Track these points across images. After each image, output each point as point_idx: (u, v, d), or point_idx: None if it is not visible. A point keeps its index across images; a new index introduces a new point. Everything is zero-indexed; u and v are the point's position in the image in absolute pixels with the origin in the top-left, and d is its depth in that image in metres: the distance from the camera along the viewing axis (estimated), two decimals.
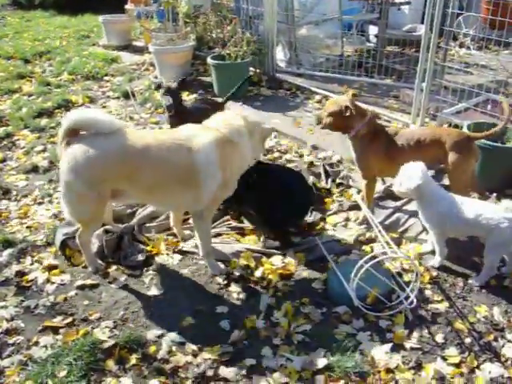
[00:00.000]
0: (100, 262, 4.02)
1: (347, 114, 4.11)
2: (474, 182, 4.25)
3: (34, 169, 5.58)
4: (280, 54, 8.08)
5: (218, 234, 4.31)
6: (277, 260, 3.99)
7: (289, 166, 5.31)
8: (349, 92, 4.48)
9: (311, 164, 5.34)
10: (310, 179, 4.93)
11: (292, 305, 3.53)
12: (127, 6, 10.05)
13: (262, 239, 4.24)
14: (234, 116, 3.80)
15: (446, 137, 4.00)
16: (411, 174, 3.62)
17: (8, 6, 15.71)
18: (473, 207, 3.57)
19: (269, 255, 4.04)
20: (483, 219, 3.50)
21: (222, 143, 3.58)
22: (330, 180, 5.01)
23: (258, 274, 3.85)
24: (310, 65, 7.88)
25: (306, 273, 3.88)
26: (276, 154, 5.61)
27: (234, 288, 3.74)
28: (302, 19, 8.04)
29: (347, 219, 4.47)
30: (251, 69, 7.56)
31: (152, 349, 3.24)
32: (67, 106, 7.17)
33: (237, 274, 3.86)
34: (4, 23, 13.52)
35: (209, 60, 7.24)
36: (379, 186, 4.74)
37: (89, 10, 12.94)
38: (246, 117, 3.84)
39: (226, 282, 3.81)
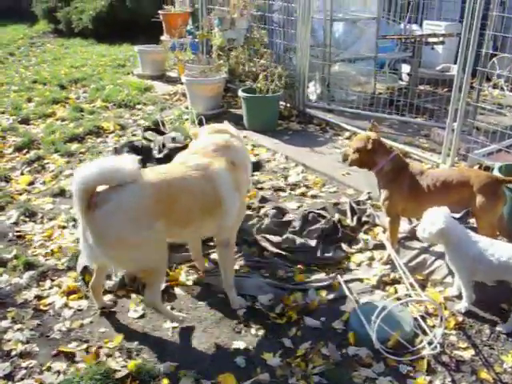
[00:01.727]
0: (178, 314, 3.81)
1: (370, 148, 4.09)
2: (502, 226, 4.14)
3: (61, 193, 5.63)
4: (311, 89, 8.10)
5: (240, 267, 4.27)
6: (298, 296, 3.92)
7: (314, 201, 5.27)
8: (373, 125, 4.43)
9: (337, 200, 5.28)
10: (336, 216, 4.87)
11: (311, 344, 3.45)
12: (163, 38, 10.22)
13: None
14: (224, 138, 3.83)
15: (474, 179, 3.91)
16: (433, 219, 3.53)
17: (49, 33, 16.15)
18: (505, 250, 3.45)
19: (290, 291, 3.98)
20: None
21: (230, 166, 3.63)
22: (355, 217, 4.93)
23: (278, 309, 3.79)
24: (342, 101, 7.88)
25: (326, 311, 3.79)
26: (302, 189, 5.57)
27: (253, 323, 3.68)
28: (337, 56, 8.06)
29: (371, 258, 4.38)
30: (282, 103, 7.58)
31: (164, 382, 3.18)
32: (98, 132, 7.27)
33: (256, 308, 3.80)
34: (44, 49, 13.89)
35: (240, 93, 7.29)
36: (405, 226, 4.65)
37: (126, 40, 13.23)
38: (232, 135, 3.93)
39: (244, 316, 3.74)
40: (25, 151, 6.77)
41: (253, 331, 3.61)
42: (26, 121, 7.96)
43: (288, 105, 7.72)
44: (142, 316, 3.78)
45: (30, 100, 9.03)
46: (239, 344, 3.48)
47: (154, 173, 3.42)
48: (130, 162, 3.26)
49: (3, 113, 8.43)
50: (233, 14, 8.02)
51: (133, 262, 3.38)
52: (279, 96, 7.27)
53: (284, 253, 4.39)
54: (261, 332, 3.60)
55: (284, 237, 4.46)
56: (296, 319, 3.70)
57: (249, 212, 4.95)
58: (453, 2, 9.53)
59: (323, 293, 3.97)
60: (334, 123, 7.34)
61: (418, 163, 5.79)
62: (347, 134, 7.03)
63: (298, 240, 4.43)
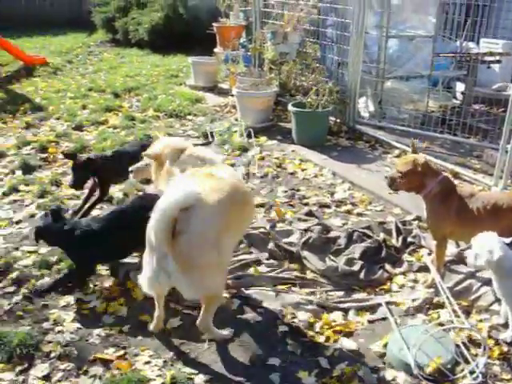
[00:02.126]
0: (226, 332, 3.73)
1: (419, 171, 3.99)
2: None
3: (109, 199, 5.72)
4: (362, 105, 8.03)
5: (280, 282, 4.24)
6: (337, 316, 3.87)
7: (360, 219, 5.20)
8: (413, 146, 4.34)
9: (383, 220, 5.19)
10: (381, 235, 4.78)
11: (347, 365, 3.38)
12: (216, 50, 10.32)
13: None
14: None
15: None
16: (490, 247, 3.38)
17: (107, 42, 16.55)
18: None
19: (330, 310, 3.92)
20: None
21: None
22: (401, 238, 4.83)
23: (316, 328, 3.74)
24: (393, 118, 7.78)
25: (366, 332, 3.73)
26: (348, 207, 5.50)
27: (290, 340, 3.64)
28: (390, 73, 7.96)
29: (415, 281, 4.28)
30: (331, 118, 7.53)
31: None
32: (148, 141, 7.37)
33: (294, 325, 3.76)
34: (101, 58, 14.23)
35: (290, 107, 7.29)
36: (452, 250, 4.53)
37: (181, 50, 13.41)
38: None
39: (281, 333, 3.71)
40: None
41: (289, 348, 3.57)
42: (79, 127, 8.15)
43: (338, 120, 7.67)
44: (179, 326, 3.80)
45: (84, 107, 9.25)
46: (275, 360, 3.45)
47: (209, 190, 3.34)
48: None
49: (58, 119, 8.66)
50: (286, 28, 8.03)
51: (206, 286, 3.38)
52: (329, 111, 7.23)
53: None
54: (297, 350, 3.56)
55: (327, 265, 4.38)
56: (334, 339, 3.65)
57: (288, 227, 4.94)
58: (510, 20, 9.31)
59: (363, 314, 3.90)
60: (383, 141, 7.24)
61: (467, 185, 5.65)
62: (397, 152, 6.92)
63: (341, 267, 4.35)
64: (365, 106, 8.02)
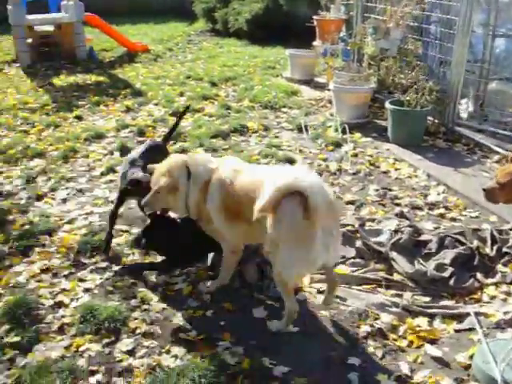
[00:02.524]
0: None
1: None
2: None
3: None
4: (463, 107, 7.73)
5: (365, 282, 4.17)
6: (423, 321, 3.76)
7: (453, 224, 5.01)
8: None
9: (478, 227, 4.98)
10: (475, 243, 4.59)
11: (429, 373, 3.28)
12: (315, 43, 10.24)
13: None
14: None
15: None
16: None
17: (206, 31, 16.84)
18: None
19: (415, 314, 3.82)
20: None
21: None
22: (495, 247, 4.61)
23: (399, 331, 3.66)
24: (496, 121, 7.43)
25: (451, 341, 3.60)
26: (441, 210, 5.32)
27: (372, 342, 3.58)
28: (496, 74, 7.61)
29: (508, 293, 4.07)
30: (429, 118, 7.30)
31: None
32: (242, 131, 7.45)
33: (377, 327, 3.69)
34: (200, 47, 14.51)
35: (387, 104, 7.12)
36: None
37: (279, 42, 13.43)
38: None
39: (363, 334, 3.65)
40: (172, 142, 7.10)
41: (370, 349, 3.51)
42: (176, 114, 8.33)
43: (436, 121, 7.41)
44: (265, 317, 3.83)
45: (182, 94, 9.47)
46: (354, 360, 3.40)
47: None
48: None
49: (156, 104, 8.92)
50: (388, 23, 7.85)
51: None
52: (428, 111, 7.01)
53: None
54: (378, 352, 3.49)
55: (415, 269, 4.26)
56: (418, 345, 3.55)
57: (378, 227, 4.84)
58: None
59: (450, 322, 3.77)
60: (483, 144, 6.93)
61: None
62: (496, 157, 6.61)
63: (430, 272, 4.20)
64: (466, 108, 7.71)
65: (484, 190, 3.83)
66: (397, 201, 5.48)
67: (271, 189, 3.26)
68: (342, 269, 4.31)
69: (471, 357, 3.41)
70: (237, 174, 3.74)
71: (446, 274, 4.18)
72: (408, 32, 7.93)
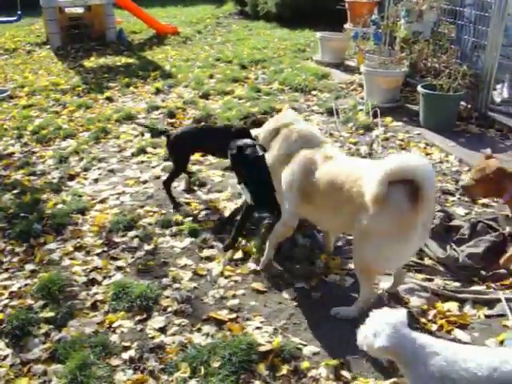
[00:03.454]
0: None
1: (492, 176, 3.97)
2: None
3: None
4: (497, 92, 7.59)
5: None
6: (453, 306, 3.74)
7: (484, 210, 4.95)
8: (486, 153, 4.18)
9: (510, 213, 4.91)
10: (507, 229, 4.53)
11: None
12: (346, 26, 10.16)
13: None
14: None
15: None
16: (378, 328, 2.58)
17: (235, 14, 16.79)
18: (485, 358, 2.44)
19: (445, 299, 3.80)
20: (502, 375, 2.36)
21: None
22: None
23: (429, 316, 3.65)
24: None
25: (481, 327, 3.57)
26: None
27: None
28: None
29: None
30: (462, 103, 7.19)
31: (305, 364, 3.22)
32: (272, 113, 7.42)
33: (407, 311, 3.67)
34: (229, 30, 14.48)
35: (419, 88, 7.03)
36: None
37: (308, 25, 13.32)
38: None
39: None
40: (201, 124, 7.13)
41: None
42: (206, 96, 8.38)
43: (469, 106, 7.29)
44: (294, 298, 3.85)
45: (211, 76, 9.49)
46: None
47: None
48: None
49: (186, 86, 8.95)
50: (421, 5, 7.73)
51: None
52: (461, 95, 6.90)
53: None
54: None
55: (447, 254, 4.23)
56: (447, 330, 3.53)
57: None
58: None
59: (480, 307, 3.74)
60: None
61: None
62: None
63: (462, 258, 4.17)
64: (500, 93, 7.57)
65: (462, 186, 4.20)
66: None
67: (380, 174, 3.12)
68: None
69: (501, 342, 3.38)
70: (328, 159, 3.71)
71: (479, 265, 4.12)
72: (442, 15, 7.80)
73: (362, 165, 3.63)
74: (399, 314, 2.62)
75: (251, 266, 4.20)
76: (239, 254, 4.32)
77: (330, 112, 7.29)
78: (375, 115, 6.89)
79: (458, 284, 3.99)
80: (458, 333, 3.50)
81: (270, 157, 4.03)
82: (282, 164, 3.91)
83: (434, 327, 3.55)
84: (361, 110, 7.40)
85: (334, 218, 3.65)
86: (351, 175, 3.44)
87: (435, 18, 7.75)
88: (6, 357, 3.40)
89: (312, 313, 3.69)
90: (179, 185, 5.45)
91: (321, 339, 3.45)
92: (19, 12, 11.73)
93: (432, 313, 3.67)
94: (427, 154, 6.16)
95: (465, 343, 3.39)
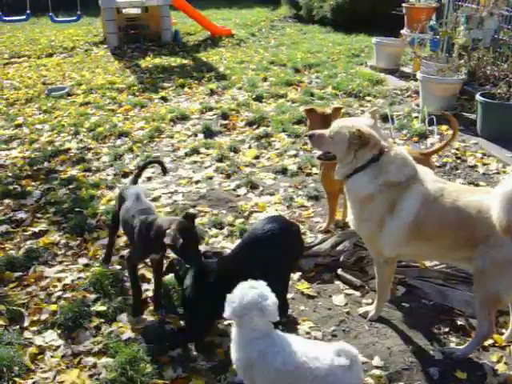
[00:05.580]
0: None
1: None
2: None
3: (283, 171, 5.86)
4: None
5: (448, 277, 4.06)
6: (509, 321, 3.62)
7: None
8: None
9: None
10: None
11: None
12: (403, 31, 10.02)
13: None
14: None
15: None
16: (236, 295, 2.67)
17: (289, 18, 16.79)
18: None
19: (501, 313, 3.69)
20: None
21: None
22: None
23: None
24: None
25: None
26: None
27: (454, 338, 3.50)
28: None
29: None
30: None
31: None
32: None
33: (459, 323, 3.60)
34: (283, 33, 14.48)
35: (477, 97, 6.87)
36: None
37: (364, 30, 13.20)
38: None
39: (445, 329, 3.57)
40: (255, 127, 7.16)
41: (452, 345, 3.43)
42: (259, 98, 8.40)
43: None
44: (345, 305, 3.83)
45: (265, 79, 9.50)
46: (437, 355, 3.34)
47: None
48: None
49: (240, 88, 8.99)
50: (482, 12, 7.57)
51: None
52: None
53: None
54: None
55: None
56: (502, 345, 3.43)
57: None
58: None
59: None
60: None
61: None
62: None
63: None
64: None
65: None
66: None
67: (504, 194, 2.95)
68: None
69: None
70: (442, 190, 3.30)
71: None
72: (503, 22, 7.62)
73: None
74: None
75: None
76: None
77: (385, 118, 7.19)
78: (431, 123, 6.76)
79: None
80: None
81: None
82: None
83: (488, 341, 3.44)
84: (416, 117, 7.29)
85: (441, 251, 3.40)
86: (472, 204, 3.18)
87: (496, 25, 7.59)
88: (58, 347, 3.47)
89: (362, 320, 3.65)
90: (231, 185, 5.47)
91: (370, 347, 3.40)
92: (79, 12, 12.05)
93: None
94: (484, 165, 6.01)
95: None
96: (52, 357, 3.40)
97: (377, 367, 3.23)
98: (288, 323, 3.58)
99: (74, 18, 12.28)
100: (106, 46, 12.62)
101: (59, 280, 4.13)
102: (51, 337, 3.55)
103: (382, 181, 3.27)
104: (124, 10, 12.85)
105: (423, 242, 3.34)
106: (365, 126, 3.28)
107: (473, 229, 3.14)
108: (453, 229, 3.22)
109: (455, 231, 3.22)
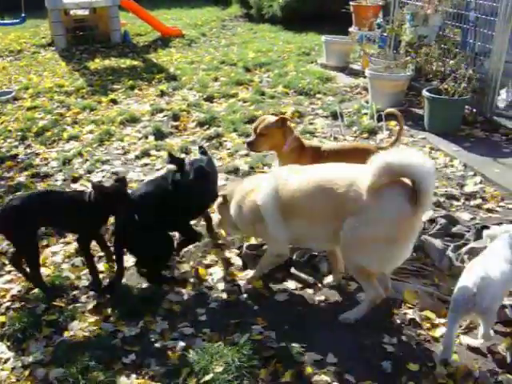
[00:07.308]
0: None
1: (281, 128, 4.35)
2: None
3: (235, 170, 5.85)
4: (502, 96, 7.56)
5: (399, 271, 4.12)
6: None
7: (490, 216, 4.92)
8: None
9: None
10: None
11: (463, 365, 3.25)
12: (351, 29, 10.10)
13: None
14: None
15: None
16: None
17: (240, 17, 16.77)
18: None
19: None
20: None
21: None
22: None
23: (435, 321, 3.63)
24: None
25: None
26: (478, 201, 5.22)
27: (406, 331, 3.55)
28: None
29: None
30: (467, 107, 7.16)
31: (308, 370, 3.20)
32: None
33: (410, 316, 3.66)
34: (234, 32, 14.46)
35: (424, 92, 7.00)
36: None
37: (313, 29, 13.28)
38: None
39: (397, 323, 3.63)
40: (206, 127, 7.13)
41: (404, 338, 3.49)
42: (210, 98, 8.38)
43: (474, 110, 7.27)
44: (298, 303, 3.84)
45: (216, 79, 9.48)
46: (388, 348, 3.39)
47: None
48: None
49: (191, 89, 8.94)
50: (427, 9, 7.71)
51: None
52: (466, 100, 6.87)
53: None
54: (412, 341, 3.47)
55: (444, 260, 4.18)
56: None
57: None
58: None
59: None
60: None
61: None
62: None
63: (455, 263, 4.12)
64: (505, 97, 7.54)
65: (247, 143, 4.55)
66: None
67: (376, 165, 3.12)
68: None
69: (508, 349, 3.35)
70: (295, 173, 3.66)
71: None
72: (447, 18, 7.77)
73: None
74: None
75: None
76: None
77: (335, 115, 7.27)
78: (380, 119, 6.86)
79: None
80: (463, 338, 3.48)
81: None
82: None
83: (438, 333, 3.52)
84: (365, 113, 7.39)
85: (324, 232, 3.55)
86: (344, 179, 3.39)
87: (441, 21, 7.73)
88: (7, 360, 3.40)
89: (315, 318, 3.67)
90: None
91: (324, 344, 3.42)
92: (23, 14, 11.79)
93: (437, 318, 3.64)
94: (432, 159, 6.11)
95: (472, 349, 3.38)
96: (1, 369, 3.31)
97: (331, 364, 3.26)
98: (241, 323, 3.59)
99: (18, 20, 12.01)
100: (53, 48, 12.38)
101: (7, 291, 4.04)
102: (0, 349, 3.47)
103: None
104: (71, 12, 12.64)
105: (298, 221, 3.55)
106: None
107: (342, 202, 3.31)
108: (320, 203, 3.41)
109: (323, 205, 3.40)
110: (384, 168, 3.11)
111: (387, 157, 3.15)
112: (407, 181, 3.17)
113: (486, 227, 4.51)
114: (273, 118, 4.44)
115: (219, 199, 4.06)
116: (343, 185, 3.31)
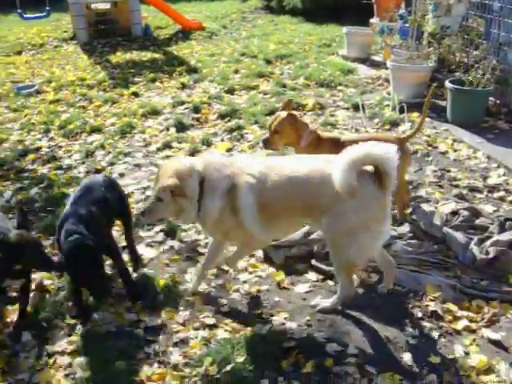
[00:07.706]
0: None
1: (294, 124, 4.35)
2: None
3: None
4: None
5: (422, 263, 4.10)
6: (480, 305, 3.67)
7: None
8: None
9: None
10: None
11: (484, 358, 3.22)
12: (372, 20, 10.03)
13: None
14: None
15: None
16: None
17: (260, 9, 16.73)
18: None
19: (473, 297, 3.75)
20: None
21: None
22: None
23: (457, 313, 3.61)
24: None
25: (508, 326, 3.50)
26: (501, 193, 5.15)
27: (427, 323, 3.54)
28: None
29: None
30: (491, 99, 7.07)
31: (329, 361, 3.20)
32: (298, 108, 7.37)
33: (432, 309, 3.64)
34: (254, 24, 14.44)
35: (447, 83, 6.92)
36: None
37: (334, 20, 13.21)
38: None
39: (419, 315, 3.61)
40: (227, 119, 7.14)
41: (425, 331, 3.47)
42: (231, 91, 8.38)
43: (498, 101, 7.17)
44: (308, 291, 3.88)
45: (237, 71, 9.48)
46: (410, 340, 3.38)
47: None
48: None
49: (212, 81, 8.96)
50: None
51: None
52: (490, 91, 6.78)
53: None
54: (433, 333, 3.45)
55: (467, 254, 4.14)
56: (474, 329, 3.48)
57: (432, 209, 4.70)
58: None
59: (508, 307, 3.67)
60: None
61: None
62: None
63: (479, 256, 4.07)
64: None
65: (263, 140, 4.50)
66: (455, 182, 5.34)
67: (345, 161, 3.17)
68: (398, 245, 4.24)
69: None
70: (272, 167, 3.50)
71: (491, 255, 4.04)
72: (471, 9, 7.67)
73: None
74: None
75: None
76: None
77: (356, 107, 7.23)
78: (402, 110, 6.81)
79: (485, 282, 3.92)
80: (484, 331, 3.45)
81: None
82: None
83: (460, 325, 3.50)
84: (387, 105, 7.34)
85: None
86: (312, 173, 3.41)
87: (464, 11, 7.63)
88: (32, 348, 3.44)
89: (335, 309, 3.67)
90: None
91: (345, 336, 3.42)
92: (48, 8, 11.87)
93: (459, 311, 3.62)
94: (455, 151, 6.07)
95: (494, 342, 3.35)
96: (26, 358, 3.36)
97: (351, 355, 3.25)
98: (263, 314, 3.61)
99: (44, 13, 12.11)
100: (75, 41, 12.48)
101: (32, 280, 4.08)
102: (25, 338, 3.52)
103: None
104: (93, 5, 12.72)
105: (277, 218, 3.51)
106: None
107: (316, 197, 3.35)
108: (295, 198, 3.40)
109: (299, 200, 3.40)
110: (354, 163, 3.18)
111: (352, 153, 3.21)
112: (369, 168, 3.28)
113: (510, 220, 4.48)
114: (284, 114, 4.42)
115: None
116: (317, 181, 3.35)
